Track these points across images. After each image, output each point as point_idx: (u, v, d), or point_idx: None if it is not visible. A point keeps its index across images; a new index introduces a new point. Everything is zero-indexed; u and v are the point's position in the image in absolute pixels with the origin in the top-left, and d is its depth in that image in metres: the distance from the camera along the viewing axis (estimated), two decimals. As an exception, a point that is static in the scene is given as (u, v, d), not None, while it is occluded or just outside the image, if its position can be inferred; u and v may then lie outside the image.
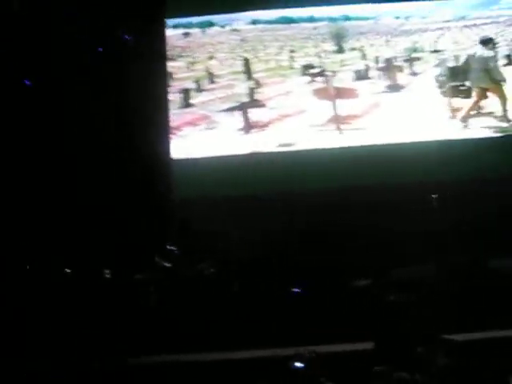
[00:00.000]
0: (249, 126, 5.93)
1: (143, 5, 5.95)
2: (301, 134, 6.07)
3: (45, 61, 5.86)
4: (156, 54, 6.04)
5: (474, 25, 7.05)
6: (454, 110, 6.23)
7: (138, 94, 5.84)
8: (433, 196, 5.82)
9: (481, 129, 6.23)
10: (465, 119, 6.16)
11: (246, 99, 6.12)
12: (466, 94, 6.30)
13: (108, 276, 4.81)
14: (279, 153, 6.05)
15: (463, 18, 7.01)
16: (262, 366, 3.46)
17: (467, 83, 6.32)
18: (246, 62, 6.32)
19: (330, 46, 6.64)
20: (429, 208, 5.81)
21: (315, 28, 6.71)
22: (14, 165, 5.63)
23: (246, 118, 5.91)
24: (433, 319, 4.12)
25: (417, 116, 6.19)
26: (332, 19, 6.70)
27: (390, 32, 6.89)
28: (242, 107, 5.97)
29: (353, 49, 6.67)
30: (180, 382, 3.51)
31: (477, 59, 6.24)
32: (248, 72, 6.27)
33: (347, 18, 6.75)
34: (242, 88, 6.18)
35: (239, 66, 6.36)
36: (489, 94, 6.19)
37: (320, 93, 6.09)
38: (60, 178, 5.77)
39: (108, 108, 5.84)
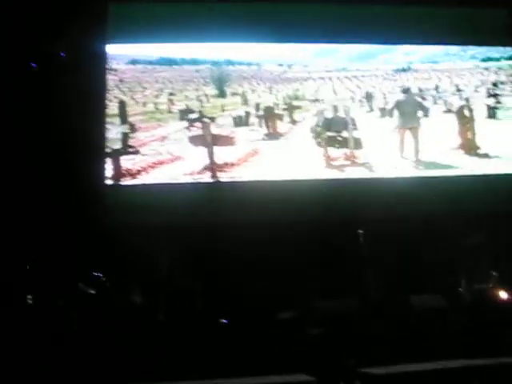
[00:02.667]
0: (119, 175, 5.64)
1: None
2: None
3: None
4: (93, 72, 5.79)
5: (354, 76, 7.30)
6: (330, 159, 6.36)
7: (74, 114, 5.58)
8: (359, 231, 5.95)
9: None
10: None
11: (118, 145, 5.84)
12: (342, 144, 6.47)
13: (29, 301, 4.73)
14: (213, 183, 5.96)
15: (344, 69, 7.23)
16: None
17: (343, 134, 6.50)
18: (122, 104, 6.05)
19: (212, 89, 6.56)
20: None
21: (197, 71, 6.60)
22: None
23: (117, 166, 5.61)
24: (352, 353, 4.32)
25: (294, 164, 6.24)
26: (215, 63, 6.63)
27: (273, 79, 6.93)
28: (113, 155, 5.67)
29: (234, 94, 6.64)
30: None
31: (409, 103, 6.75)
32: (123, 115, 6.00)
33: (230, 63, 6.71)
34: (114, 133, 5.89)
35: (114, 108, 6.07)
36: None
37: (196, 140, 5.95)
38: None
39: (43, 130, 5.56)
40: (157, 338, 4.57)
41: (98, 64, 5.90)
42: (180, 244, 5.54)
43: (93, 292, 5.05)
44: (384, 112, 6.91)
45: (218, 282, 5.53)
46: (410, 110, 6.78)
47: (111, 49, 6.12)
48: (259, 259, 5.60)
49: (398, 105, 6.77)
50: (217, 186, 5.96)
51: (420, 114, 6.83)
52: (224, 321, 4.99)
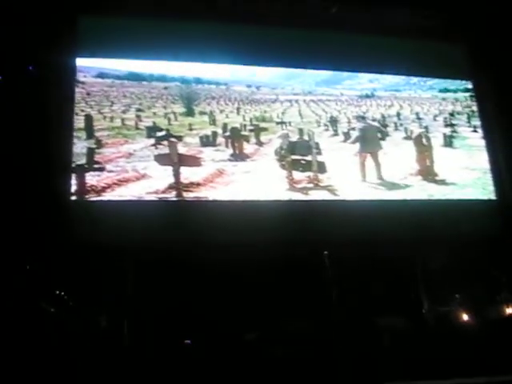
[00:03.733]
0: (83, 192, 5.54)
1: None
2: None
3: None
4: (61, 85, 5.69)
5: (320, 100, 7.45)
6: (293, 182, 6.42)
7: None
8: (325, 253, 5.87)
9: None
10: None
11: (83, 161, 5.73)
12: (306, 167, 6.56)
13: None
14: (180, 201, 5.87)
15: (310, 92, 7.38)
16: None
17: (307, 157, 6.60)
18: (88, 118, 5.95)
19: (180, 108, 6.56)
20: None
21: (166, 88, 6.58)
22: None
23: (82, 183, 5.51)
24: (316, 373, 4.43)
25: (258, 186, 6.24)
26: (184, 81, 6.64)
27: (241, 99, 7.00)
28: (78, 170, 5.55)
29: (202, 113, 6.65)
30: None
31: (369, 129, 6.95)
32: (89, 130, 5.91)
33: (199, 81, 6.72)
34: (79, 147, 5.78)
35: (81, 122, 5.97)
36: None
37: (163, 158, 5.91)
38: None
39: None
40: (120, 358, 4.56)
41: (66, 77, 5.81)
42: (144, 262, 5.43)
43: (55, 311, 4.93)
44: (347, 136, 7.10)
45: (182, 302, 5.44)
46: (370, 135, 6.98)
47: (79, 61, 6.06)
48: (224, 279, 5.56)
49: (360, 132, 6.96)
50: (182, 204, 5.93)
51: (380, 137, 7.06)
52: (188, 341, 4.99)
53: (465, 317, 5.87)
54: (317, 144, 6.61)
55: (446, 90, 8.36)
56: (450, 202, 6.88)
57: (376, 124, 7.15)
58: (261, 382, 4.44)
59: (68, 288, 5.13)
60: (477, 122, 7.92)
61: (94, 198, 5.60)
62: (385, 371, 4.68)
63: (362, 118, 7.06)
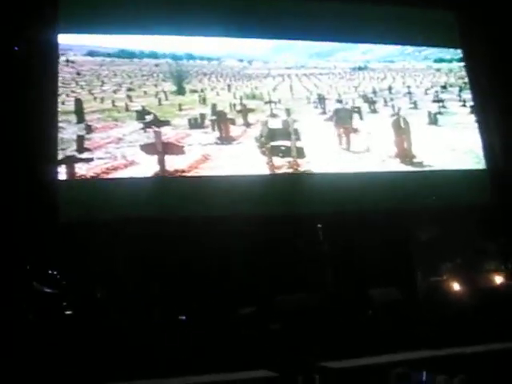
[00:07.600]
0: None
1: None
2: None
3: None
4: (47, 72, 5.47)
5: (312, 74, 7.13)
6: (274, 167, 6.39)
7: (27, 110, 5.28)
8: (319, 226, 5.89)
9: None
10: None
11: (73, 147, 5.64)
12: (286, 153, 6.51)
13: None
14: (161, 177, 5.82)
15: (303, 66, 7.03)
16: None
17: (287, 143, 6.51)
18: (79, 102, 5.79)
19: (171, 86, 6.33)
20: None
21: (157, 65, 6.30)
22: None
23: (71, 173, 5.55)
24: (313, 347, 4.33)
25: (241, 171, 6.20)
26: (175, 57, 6.32)
27: (233, 75, 6.71)
28: (67, 161, 5.53)
29: (193, 91, 6.42)
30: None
31: (343, 110, 6.94)
32: (80, 113, 5.77)
33: (191, 57, 6.41)
34: (70, 133, 5.66)
35: (71, 104, 5.79)
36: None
37: (148, 148, 5.83)
38: None
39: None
40: (115, 336, 4.46)
41: (50, 56, 5.49)
42: (136, 240, 5.33)
43: (49, 291, 4.98)
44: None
45: (177, 278, 5.38)
46: (343, 115, 6.92)
47: (67, 39, 5.73)
48: (220, 254, 5.52)
49: (336, 112, 6.90)
50: (170, 181, 5.88)
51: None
52: (182, 317, 4.96)
53: (456, 286, 5.84)
54: (295, 130, 6.50)
55: (441, 60, 7.93)
56: (438, 173, 6.80)
57: (348, 107, 7.01)
58: (257, 358, 4.20)
59: (59, 267, 5.12)
60: (467, 94, 7.70)
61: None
62: (378, 342, 4.51)
63: (339, 101, 6.97)
